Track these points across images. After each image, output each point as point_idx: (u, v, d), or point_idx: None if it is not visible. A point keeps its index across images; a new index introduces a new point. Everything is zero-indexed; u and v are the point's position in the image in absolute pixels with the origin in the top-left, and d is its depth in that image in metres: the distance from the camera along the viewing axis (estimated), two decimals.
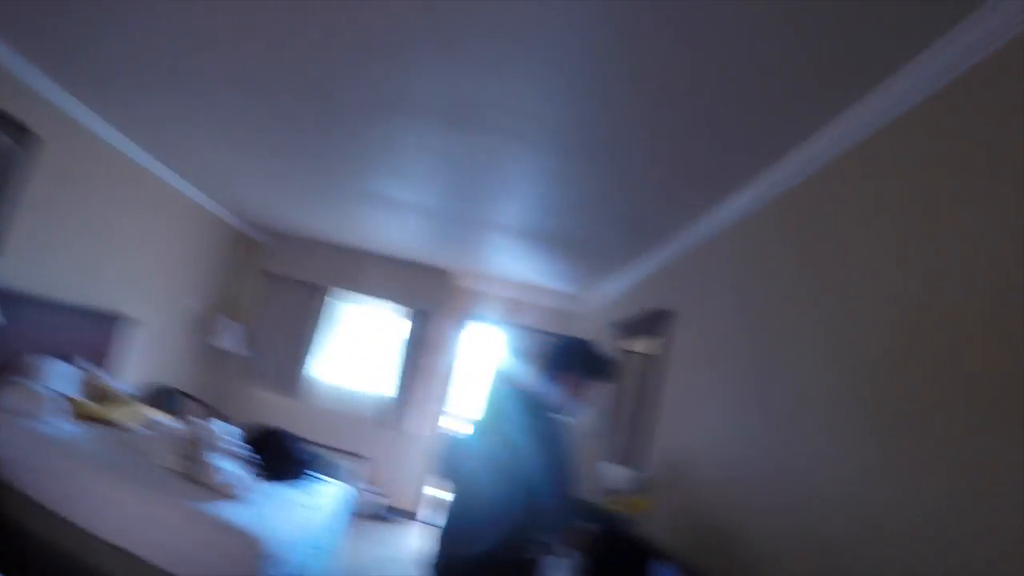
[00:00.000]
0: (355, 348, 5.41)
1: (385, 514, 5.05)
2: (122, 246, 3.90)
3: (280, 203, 4.28)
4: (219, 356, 5.32)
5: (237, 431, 3.39)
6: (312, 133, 2.66)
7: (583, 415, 1.96)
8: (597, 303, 4.58)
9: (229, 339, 5.10)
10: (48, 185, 3.10)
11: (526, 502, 1.60)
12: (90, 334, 3.74)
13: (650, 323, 2.95)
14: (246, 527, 2.40)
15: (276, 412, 5.20)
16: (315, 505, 3.10)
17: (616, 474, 2.64)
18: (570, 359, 1.84)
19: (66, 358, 3.44)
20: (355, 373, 5.38)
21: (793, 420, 1.58)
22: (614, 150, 2.15)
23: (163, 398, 4.55)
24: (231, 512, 2.50)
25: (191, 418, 3.49)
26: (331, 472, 4.47)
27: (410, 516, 5.27)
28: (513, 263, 4.37)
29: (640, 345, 3.12)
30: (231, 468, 2.89)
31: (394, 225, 4.07)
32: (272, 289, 5.41)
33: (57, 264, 3.35)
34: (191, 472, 2.77)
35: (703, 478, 2.03)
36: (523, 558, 1.67)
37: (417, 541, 4.61)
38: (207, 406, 4.99)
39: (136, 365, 4.31)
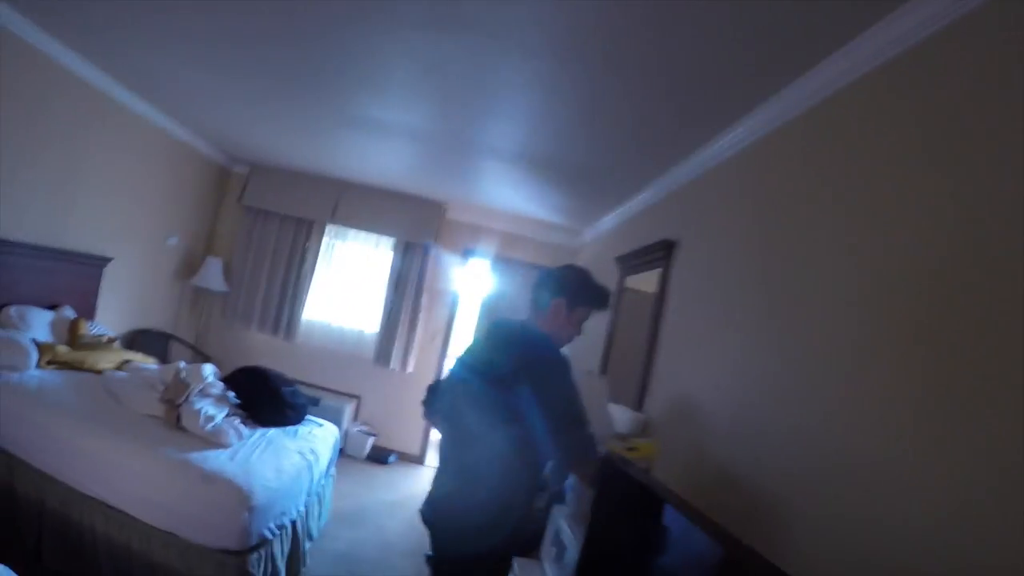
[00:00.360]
0: (346, 285, 5.21)
1: (386, 458, 4.98)
2: (95, 183, 3.66)
3: (259, 131, 4.00)
4: (203, 296, 5.17)
5: (216, 373, 3.27)
6: (288, 48, 2.41)
7: (574, 344, 1.82)
8: (598, 237, 4.36)
9: (211, 277, 4.90)
10: (5, 118, 2.84)
11: (523, 440, 1.48)
12: (74, 278, 3.58)
13: (652, 256, 2.75)
14: (233, 477, 2.30)
15: (264, 352, 5.11)
16: (307, 450, 2.99)
17: (620, 416, 2.54)
18: (561, 286, 1.69)
19: (51, 305, 3.33)
20: (347, 311, 5.21)
21: (814, 365, 1.42)
22: (615, 59, 1.87)
23: (147, 341, 4.43)
24: (217, 461, 2.41)
25: (179, 361, 3.36)
26: (323, 414, 4.40)
27: (417, 460, 5.21)
28: (509, 193, 4.11)
29: (643, 282, 2.94)
30: (217, 413, 2.78)
31: (381, 152, 3.81)
32: (255, 224, 5.16)
33: (24, 204, 3.12)
34: (173, 419, 2.66)
35: (710, 426, 1.91)
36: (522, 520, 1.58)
37: (418, 484, 4.60)
38: (192, 348, 4.89)
39: (118, 308, 4.16)
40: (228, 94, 3.27)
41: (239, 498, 2.22)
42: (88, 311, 3.75)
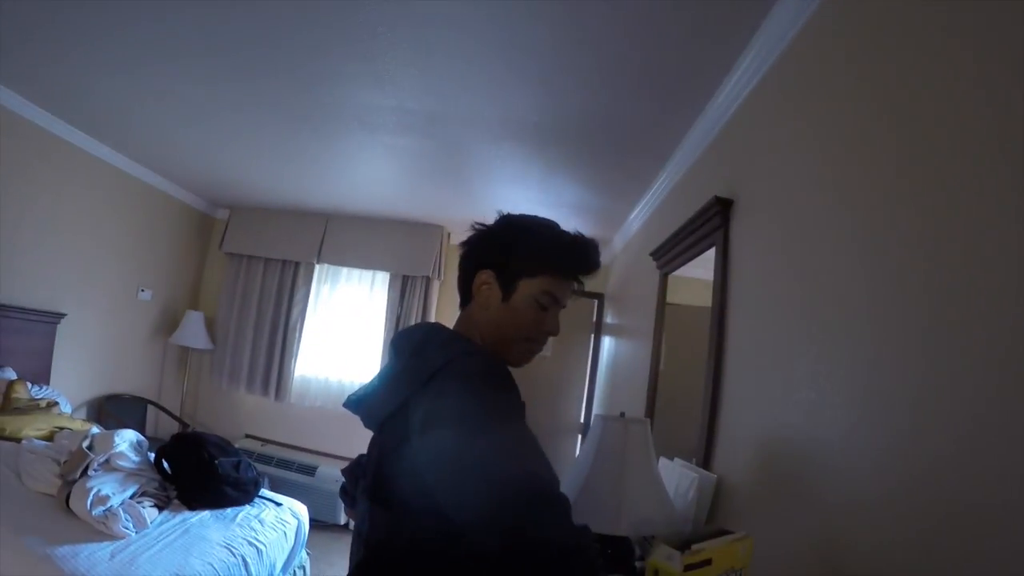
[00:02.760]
0: (341, 333, 4.46)
1: None
2: (41, 231, 3.20)
3: (234, 168, 3.60)
4: (190, 356, 4.56)
5: (138, 439, 2.56)
6: (251, 64, 2.15)
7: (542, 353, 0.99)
8: (628, 243, 3.46)
9: (193, 334, 4.32)
10: None
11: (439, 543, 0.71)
12: (20, 336, 3.06)
13: (701, 230, 1.84)
14: None
15: (256, 416, 4.46)
16: (243, 541, 2.25)
17: (678, 478, 1.60)
18: (484, 248, 0.92)
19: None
20: (343, 364, 4.43)
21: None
22: None
23: (120, 408, 3.83)
24: (88, 560, 1.82)
25: (91, 427, 2.69)
26: (322, 484, 3.75)
27: None
28: (521, 197, 3.31)
29: (689, 290, 2.04)
30: (114, 494, 2.13)
31: (368, 168, 3.25)
32: (239, 272, 4.57)
33: None
34: (63, 499, 2.10)
35: (840, 494, 0.95)
36: None
37: None
38: (170, 414, 4.23)
39: (77, 370, 3.58)
40: (197, 134, 3.02)
41: None
42: (41, 373, 3.23)
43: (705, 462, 1.59)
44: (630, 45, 1.70)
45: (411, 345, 0.86)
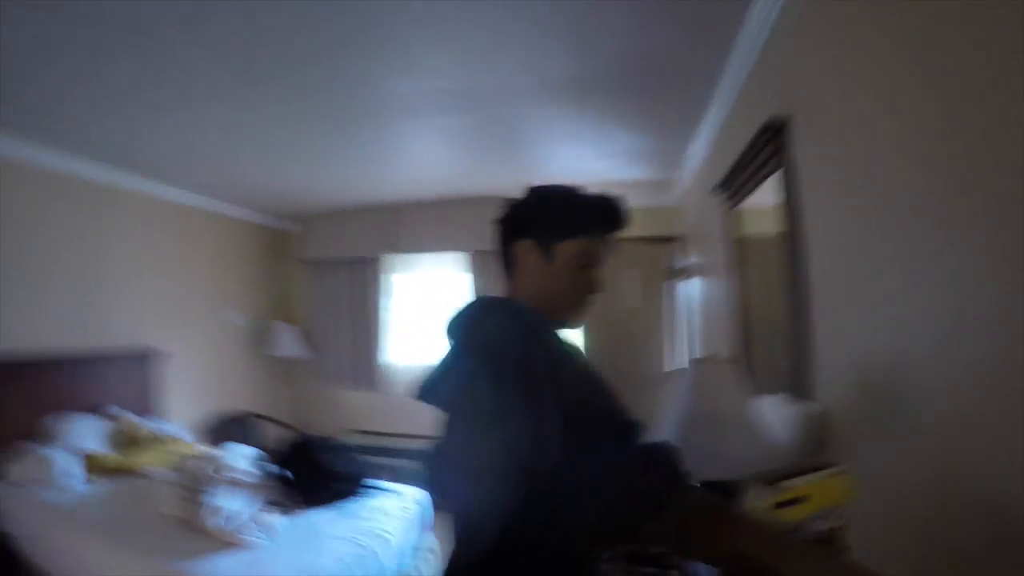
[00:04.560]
0: (426, 319, 4.65)
1: None
2: (119, 276, 3.48)
3: (295, 182, 3.75)
4: (284, 365, 4.90)
5: (254, 452, 2.76)
6: (288, 76, 2.20)
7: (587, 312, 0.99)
8: (695, 176, 3.31)
9: (288, 344, 4.64)
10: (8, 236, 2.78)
11: (507, 470, 0.75)
12: (123, 378, 3.36)
13: (759, 158, 1.74)
14: None
15: (359, 410, 4.72)
16: (368, 533, 2.37)
17: (774, 415, 1.57)
18: (520, 220, 0.98)
19: (96, 410, 3.10)
20: (430, 348, 4.66)
21: None
22: None
23: (231, 426, 4.16)
24: (225, 570, 1.92)
25: (212, 450, 2.98)
26: (399, 477, 3.85)
27: None
28: (576, 154, 3.24)
29: (759, 218, 1.93)
30: (233, 505, 2.27)
31: (423, 154, 3.30)
32: (319, 277, 4.83)
33: (51, 314, 3.01)
34: (191, 517, 2.22)
35: (925, 413, 0.91)
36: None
37: None
38: (279, 423, 4.62)
39: (187, 399, 3.93)
40: (251, 155, 3.12)
41: None
42: (151, 408, 3.51)
43: (806, 394, 1.55)
44: None
45: (462, 322, 0.91)
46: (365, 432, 4.60)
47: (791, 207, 1.55)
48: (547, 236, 0.94)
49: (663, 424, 1.41)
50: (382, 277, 4.66)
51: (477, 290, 4.37)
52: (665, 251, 3.99)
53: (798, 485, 0.88)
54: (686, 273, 3.82)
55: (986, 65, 0.79)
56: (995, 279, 0.78)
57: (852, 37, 1.22)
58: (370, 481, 2.76)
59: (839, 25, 1.28)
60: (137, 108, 2.43)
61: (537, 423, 0.71)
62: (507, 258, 0.99)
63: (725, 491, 1.29)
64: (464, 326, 0.91)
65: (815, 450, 1.44)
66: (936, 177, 0.92)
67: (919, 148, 0.97)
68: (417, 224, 4.48)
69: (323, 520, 2.39)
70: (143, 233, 3.60)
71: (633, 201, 4.09)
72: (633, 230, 3.97)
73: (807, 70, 1.48)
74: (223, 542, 2.09)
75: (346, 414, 4.75)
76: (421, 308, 4.66)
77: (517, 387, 0.73)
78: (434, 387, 0.93)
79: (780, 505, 0.85)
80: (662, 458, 0.72)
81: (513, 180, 3.81)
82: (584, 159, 3.30)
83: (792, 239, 1.55)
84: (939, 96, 0.90)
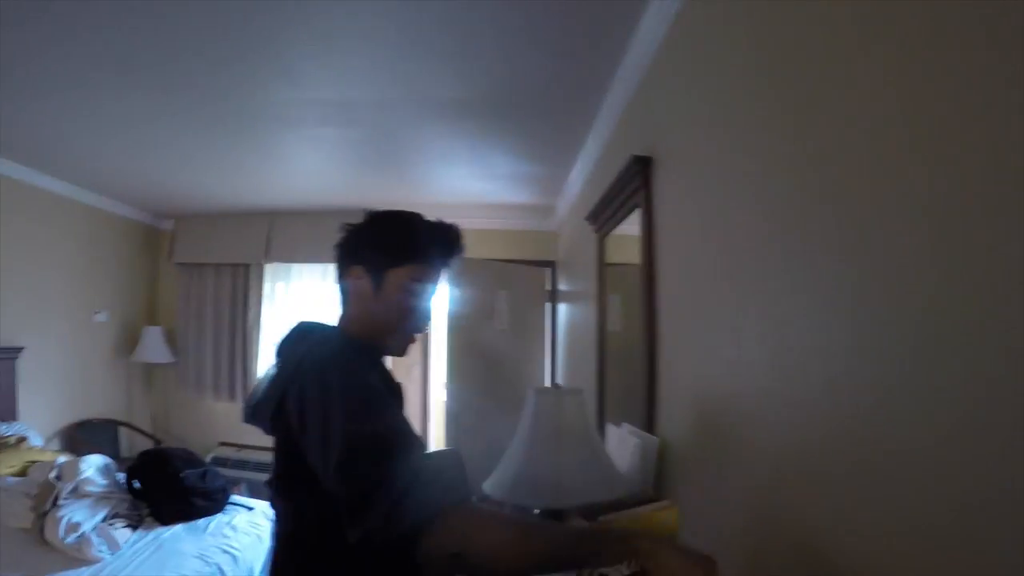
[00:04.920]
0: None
1: None
2: (2, 269, 3.12)
3: (169, 179, 3.53)
4: (157, 371, 4.47)
5: (107, 462, 2.57)
6: (164, 76, 2.11)
7: (418, 331, 0.99)
8: (571, 210, 3.42)
9: (154, 349, 4.22)
10: None
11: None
12: None
13: (626, 191, 1.80)
14: None
15: (229, 423, 4.32)
16: (217, 550, 2.26)
17: (622, 443, 1.59)
18: (354, 245, 0.96)
19: None
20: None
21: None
22: None
23: (91, 434, 3.72)
24: None
25: (58, 458, 2.64)
26: (260, 491, 3.64)
27: None
28: (458, 174, 3.23)
29: (624, 248, 2.00)
30: (85, 520, 2.16)
31: (302, 164, 3.18)
32: (191, 282, 4.43)
33: None
34: (37, 531, 2.14)
35: (750, 448, 0.95)
36: None
37: None
38: (142, 432, 4.13)
39: (45, 402, 3.48)
40: (123, 146, 2.91)
41: None
42: (6, 410, 3.14)
43: (648, 425, 1.59)
44: (530, 10, 1.63)
45: (284, 345, 0.93)
46: (231, 444, 4.24)
47: (648, 241, 1.61)
48: (378, 262, 0.92)
49: (512, 447, 1.37)
50: (254, 285, 4.35)
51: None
52: (542, 275, 4.06)
53: (615, 518, 0.87)
54: (560, 297, 3.91)
55: (831, 109, 0.84)
56: (823, 327, 0.82)
57: (708, 87, 1.29)
58: (230, 497, 2.66)
59: (699, 76, 1.35)
60: (6, 90, 2.23)
61: (323, 446, 0.75)
62: (342, 283, 0.97)
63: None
64: (281, 351, 0.93)
65: (656, 479, 1.47)
66: (774, 227, 0.96)
67: (756, 198, 1.02)
68: (293, 233, 4.25)
69: (171, 535, 2.32)
70: (11, 221, 3.23)
71: (515, 224, 4.15)
72: (512, 252, 4.00)
73: (670, 113, 1.55)
74: (69, 556, 2.04)
75: (212, 424, 4.38)
76: (295, 319, 4.31)
77: (313, 410, 0.77)
78: (256, 410, 0.92)
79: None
80: (440, 474, 0.75)
81: (392, 195, 3.74)
82: (464, 179, 3.29)
83: (647, 274, 1.60)
84: (787, 143, 0.95)
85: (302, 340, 0.91)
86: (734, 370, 1.11)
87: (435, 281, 0.96)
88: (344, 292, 0.97)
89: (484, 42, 1.83)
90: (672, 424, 1.48)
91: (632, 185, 1.71)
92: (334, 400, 0.76)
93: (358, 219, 0.99)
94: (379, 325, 0.93)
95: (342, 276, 0.96)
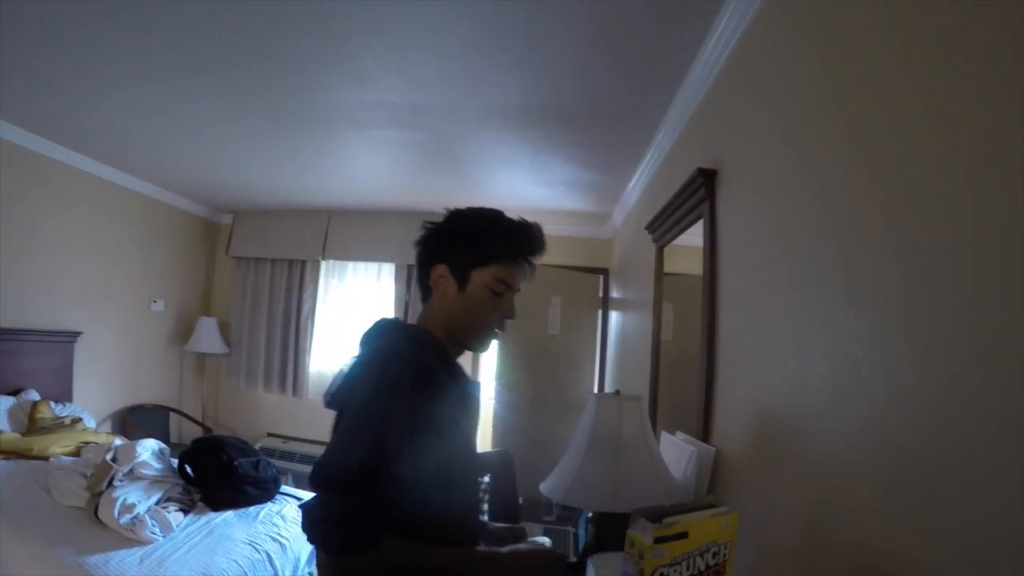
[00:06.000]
0: (352, 327, 4.51)
1: None
2: (48, 254, 3.29)
3: (232, 175, 3.67)
4: (208, 361, 4.67)
5: (160, 447, 2.63)
6: (240, 68, 2.16)
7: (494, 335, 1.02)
8: (628, 217, 3.43)
9: (209, 339, 4.41)
10: None
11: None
12: (40, 358, 3.18)
13: (689, 203, 1.82)
14: None
15: (276, 414, 4.53)
16: (266, 538, 2.32)
17: (677, 452, 1.61)
18: (436, 244, 0.98)
19: (15, 390, 2.97)
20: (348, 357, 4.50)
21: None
22: None
23: (142, 418, 3.92)
24: (118, 566, 1.90)
25: (115, 440, 2.79)
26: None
27: None
28: (517, 179, 3.28)
29: (685, 259, 2.02)
30: (140, 502, 2.21)
31: (364, 164, 3.27)
32: (247, 275, 4.63)
33: None
34: (92, 510, 2.19)
35: (812, 463, 0.96)
36: None
37: None
38: (192, 420, 4.35)
39: (99, 386, 3.68)
40: (190, 144, 3.05)
41: None
42: (63, 392, 3.32)
43: (704, 434, 1.60)
44: (599, 21, 1.67)
45: (365, 338, 0.98)
46: (278, 436, 4.42)
47: (711, 253, 1.63)
48: (462, 262, 0.93)
49: (569, 451, 1.42)
50: (310, 280, 4.51)
51: (399, 302, 4.29)
52: (595, 282, 4.08)
53: (680, 521, 0.90)
54: (612, 304, 3.92)
55: (895, 128, 0.86)
56: (881, 345, 0.83)
57: (776, 102, 1.30)
58: (277, 487, 2.71)
59: (766, 89, 1.37)
60: (83, 87, 2.36)
61: (378, 439, 0.81)
62: (424, 281, 0.99)
63: (621, 525, 1.31)
64: (364, 342, 0.98)
65: (710, 488, 1.49)
66: (840, 242, 0.98)
67: (829, 213, 1.04)
68: (350, 231, 4.39)
69: (222, 521, 2.37)
70: (75, 210, 3.43)
71: (569, 231, 4.17)
72: (566, 259, 4.03)
73: (736, 128, 1.56)
74: (122, 536, 2.07)
75: (260, 415, 4.54)
76: (348, 315, 4.52)
77: (348, 415, 0.86)
78: (335, 395, 0.95)
79: (662, 540, 0.86)
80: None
81: (450, 197, 3.78)
82: (523, 184, 3.34)
83: (709, 285, 1.62)
84: (853, 159, 0.97)
85: (381, 335, 0.96)
86: (797, 385, 1.12)
87: (519, 280, 0.98)
88: (425, 289, 0.99)
89: (551, 52, 1.88)
90: (728, 435, 1.49)
91: (696, 197, 1.73)
92: (365, 415, 0.84)
93: (429, 218, 1.00)
94: (462, 324, 0.96)
95: (424, 274, 0.98)
